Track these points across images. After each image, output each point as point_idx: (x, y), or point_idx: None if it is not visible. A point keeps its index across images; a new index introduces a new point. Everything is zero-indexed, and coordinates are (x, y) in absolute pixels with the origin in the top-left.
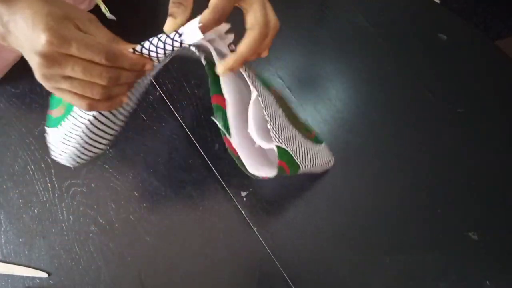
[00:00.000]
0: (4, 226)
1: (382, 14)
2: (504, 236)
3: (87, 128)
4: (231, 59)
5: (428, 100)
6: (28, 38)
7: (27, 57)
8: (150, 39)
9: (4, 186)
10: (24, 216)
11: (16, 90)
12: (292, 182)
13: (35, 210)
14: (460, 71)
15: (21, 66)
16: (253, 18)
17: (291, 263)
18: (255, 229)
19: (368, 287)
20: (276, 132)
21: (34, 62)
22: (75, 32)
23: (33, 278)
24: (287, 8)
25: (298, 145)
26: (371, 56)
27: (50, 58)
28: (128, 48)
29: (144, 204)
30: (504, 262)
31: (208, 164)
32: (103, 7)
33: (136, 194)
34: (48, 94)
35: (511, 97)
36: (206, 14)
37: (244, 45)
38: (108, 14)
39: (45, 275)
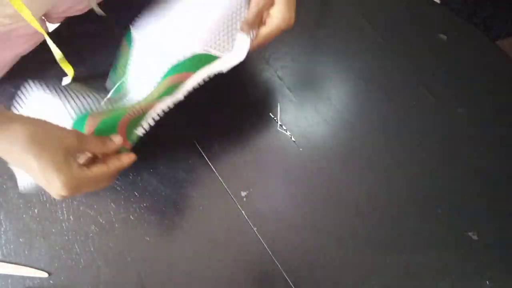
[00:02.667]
0: (4, 226)
1: (382, 14)
2: (504, 236)
3: None
4: (255, 42)
5: (428, 100)
6: (39, 179)
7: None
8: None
9: (4, 186)
10: (24, 216)
11: (16, 90)
12: (292, 182)
13: (35, 210)
14: (460, 71)
15: (21, 66)
16: (278, 16)
17: (291, 263)
18: (255, 229)
19: (368, 287)
20: None
21: (53, 193)
22: (82, 175)
23: (33, 278)
24: None
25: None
26: (371, 56)
27: (67, 195)
28: (114, 139)
29: (144, 204)
30: (504, 262)
31: (208, 164)
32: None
33: (136, 194)
34: None
35: (511, 97)
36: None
37: (265, 35)
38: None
39: (45, 275)
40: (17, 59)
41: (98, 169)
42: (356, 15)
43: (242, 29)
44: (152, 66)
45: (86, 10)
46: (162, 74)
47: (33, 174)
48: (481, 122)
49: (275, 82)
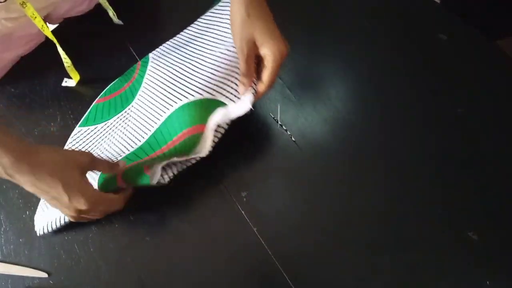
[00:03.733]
0: (4, 226)
1: (382, 14)
2: (504, 236)
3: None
4: (261, 89)
5: (428, 100)
6: (61, 200)
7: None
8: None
9: (4, 186)
10: (24, 216)
11: (16, 90)
12: (292, 182)
13: (35, 210)
14: (460, 71)
15: (21, 67)
16: (269, 53)
17: (291, 263)
18: (255, 229)
19: (368, 287)
20: None
21: (62, 211)
22: (99, 193)
23: (33, 278)
24: (287, 8)
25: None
26: (371, 56)
27: (76, 218)
28: (119, 163)
29: (144, 204)
30: (504, 262)
31: (208, 164)
32: (111, 13)
33: (136, 194)
34: (48, 95)
35: (511, 97)
36: (261, 89)
37: (268, 76)
38: (115, 20)
39: (45, 275)
40: (17, 59)
41: (111, 194)
42: (356, 15)
43: (241, 82)
44: (162, 92)
45: (86, 11)
46: (169, 104)
47: (57, 195)
48: (481, 122)
49: (275, 82)
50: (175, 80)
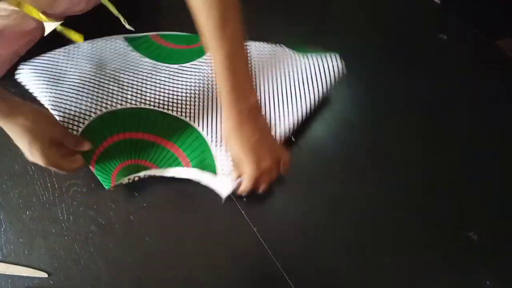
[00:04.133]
0: (4, 226)
1: (382, 14)
2: (504, 236)
3: None
4: (239, 191)
5: (428, 100)
6: (27, 153)
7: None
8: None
9: (4, 186)
10: (24, 216)
11: (16, 90)
12: (293, 183)
13: (35, 210)
14: (460, 71)
15: None
16: (244, 173)
17: (291, 262)
18: (255, 229)
19: (368, 287)
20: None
21: (25, 153)
22: (58, 159)
23: (33, 278)
24: (288, 7)
25: None
26: (371, 56)
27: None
28: (84, 144)
29: (144, 204)
30: (504, 262)
31: None
32: (122, 19)
33: (136, 194)
34: None
35: (511, 97)
36: (239, 192)
37: (242, 187)
38: (127, 26)
39: (45, 275)
40: (16, 58)
41: (72, 158)
42: (356, 15)
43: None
44: (196, 93)
45: (84, 11)
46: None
47: (24, 149)
48: (481, 122)
49: None
50: (200, 97)
